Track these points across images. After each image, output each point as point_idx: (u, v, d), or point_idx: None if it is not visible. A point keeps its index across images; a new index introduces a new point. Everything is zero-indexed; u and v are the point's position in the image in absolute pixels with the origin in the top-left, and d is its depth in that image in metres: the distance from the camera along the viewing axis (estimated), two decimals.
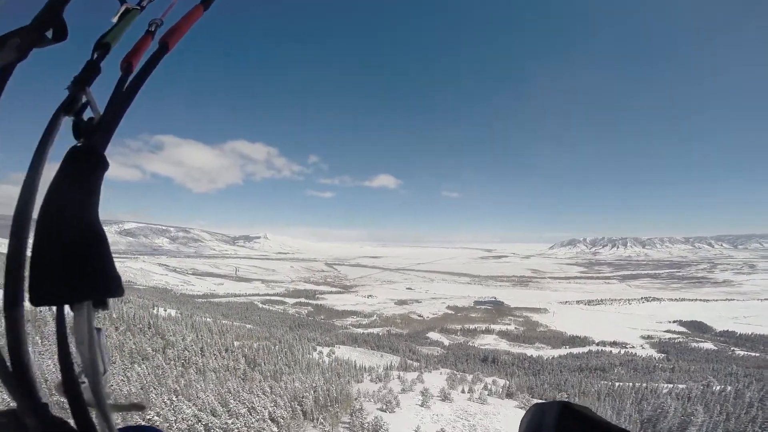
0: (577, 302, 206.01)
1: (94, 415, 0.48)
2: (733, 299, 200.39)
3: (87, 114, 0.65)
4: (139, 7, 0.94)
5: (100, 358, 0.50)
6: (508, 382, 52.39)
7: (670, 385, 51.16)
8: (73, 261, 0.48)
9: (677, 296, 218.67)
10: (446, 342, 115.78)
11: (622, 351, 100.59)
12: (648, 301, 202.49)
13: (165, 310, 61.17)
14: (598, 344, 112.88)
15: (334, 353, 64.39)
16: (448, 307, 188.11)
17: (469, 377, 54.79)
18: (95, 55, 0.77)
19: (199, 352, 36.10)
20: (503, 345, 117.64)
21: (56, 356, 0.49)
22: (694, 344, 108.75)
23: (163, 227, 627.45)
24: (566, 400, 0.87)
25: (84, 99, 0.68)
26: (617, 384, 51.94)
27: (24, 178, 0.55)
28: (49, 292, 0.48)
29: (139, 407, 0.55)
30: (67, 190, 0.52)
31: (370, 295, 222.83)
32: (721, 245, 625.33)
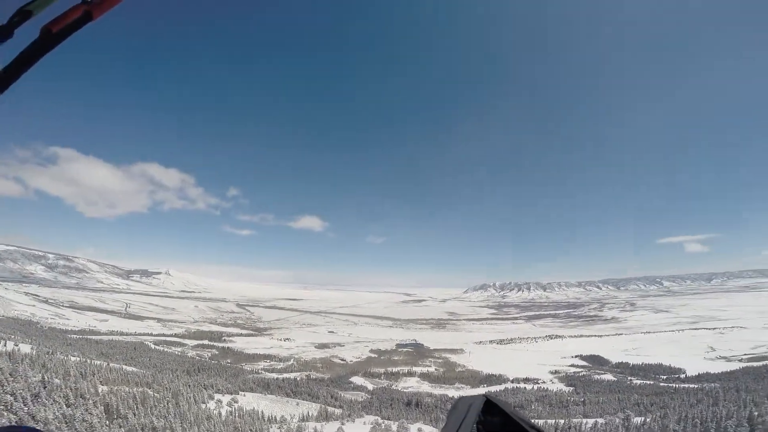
0: (491, 342, 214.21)
1: None
2: (621, 333, 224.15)
3: None
4: None
5: None
6: (433, 430, 47.60)
7: (590, 420, 51.44)
8: None
9: (576, 333, 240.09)
10: (370, 386, 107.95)
11: (535, 386, 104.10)
12: (552, 338, 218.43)
13: (16, 345, 45.34)
14: (513, 381, 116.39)
15: (236, 402, 53.36)
16: (372, 351, 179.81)
17: (394, 426, 48.90)
18: (14, 20, 0.74)
19: (30, 398, 24.89)
20: (425, 387, 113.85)
21: None
22: (596, 376, 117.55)
23: (40, 253, 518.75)
24: (488, 393, 1.00)
25: None
26: (539, 423, 50.62)
27: None
28: None
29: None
30: None
31: (287, 339, 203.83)
32: (607, 287, 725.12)
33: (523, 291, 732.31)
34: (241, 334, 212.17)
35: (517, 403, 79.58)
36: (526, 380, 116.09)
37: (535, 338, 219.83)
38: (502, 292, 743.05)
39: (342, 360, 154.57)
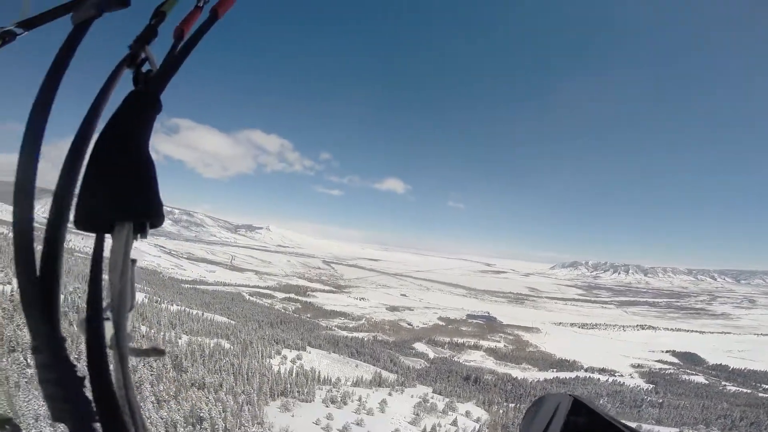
0: (571, 324, 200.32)
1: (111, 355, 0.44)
2: (729, 332, 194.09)
3: (146, 67, 0.74)
4: None
5: (129, 291, 0.48)
6: (481, 416, 46.57)
7: (663, 429, 45.09)
8: (118, 184, 0.50)
9: (673, 326, 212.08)
10: (431, 354, 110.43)
11: (610, 379, 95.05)
12: (643, 328, 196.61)
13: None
14: (586, 370, 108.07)
15: (300, 359, 59.02)
16: (440, 318, 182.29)
17: (441, 404, 49.09)
18: (153, 21, 0.86)
19: None
20: (489, 363, 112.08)
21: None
22: (685, 376, 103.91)
23: (168, 208, 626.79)
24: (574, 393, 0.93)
25: (143, 55, 0.76)
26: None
27: (84, 116, 0.60)
28: (93, 213, 0.48)
29: (159, 352, 0.52)
30: (122, 124, 0.56)
31: (363, 298, 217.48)
32: (724, 279, 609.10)
33: (619, 273, 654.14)
34: (323, 290, 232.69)
35: (584, 394, 72.56)
36: (602, 371, 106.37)
37: (623, 326, 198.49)
38: (594, 272, 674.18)
39: (409, 324, 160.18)
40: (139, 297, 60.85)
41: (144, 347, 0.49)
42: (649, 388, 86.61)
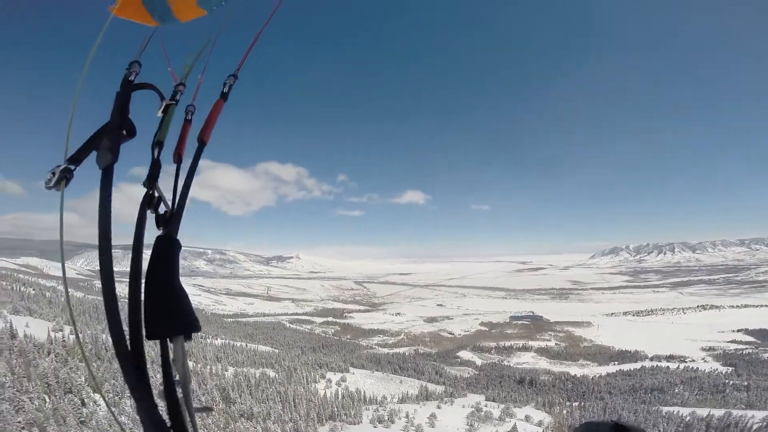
0: (624, 313, 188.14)
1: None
2: None
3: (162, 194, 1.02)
4: (175, 102, 1.25)
5: (188, 374, 0.88)
6: (543, 419, 43.68)
7: (758, 413, 40.40)
8: (171, 310, 0.90)
9: (738, 302, 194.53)
10: (478, 361, 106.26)
11: (681, 366, 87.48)
12: (705, 309, 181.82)
13: None
14: (651, 359, 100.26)
15: (344, 381, 58.07)
16: (482, 324, 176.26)
17: (497, 411, 46.55)
18: (155, 153, 1.05)
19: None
20: (543, 363, 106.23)
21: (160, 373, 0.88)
22: (767, 355, 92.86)
23: (201, 249, 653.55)
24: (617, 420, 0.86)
25: (157, 194, 1.00)
26: (684, 414, 41.66)
27: (130, 257, 0.91)
28: (158, 331, 0.87)
29: (209, 409, 0.95)
30: (158, 266, 0.92)
31: (399, 313, 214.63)
32: None
33: (664, 253, 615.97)
34: (359, 310, 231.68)
35: (656, 385, 67.80)
36: (670, 358, 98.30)
37: (682, 309, 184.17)
38: (637, 256, 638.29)
39: (450, 334, 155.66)
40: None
41: (198, 407, 0.88)
42: (729, 371, 79.01)
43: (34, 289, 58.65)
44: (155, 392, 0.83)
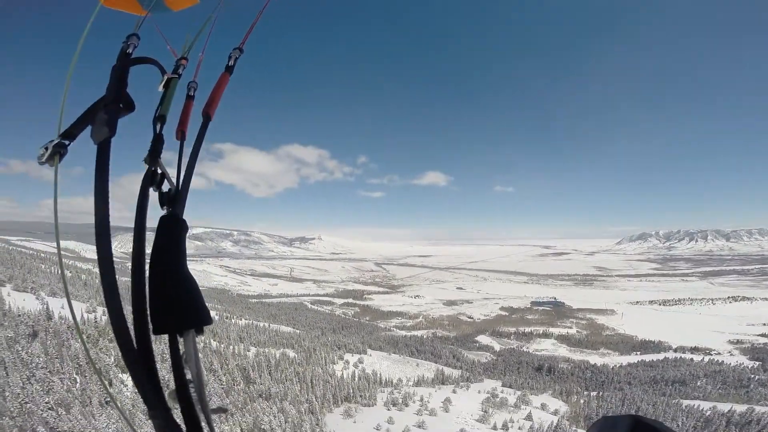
0: (650, 302, 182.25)
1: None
2: None
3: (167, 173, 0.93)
4: (177, 75, 1.18)
5: (202, 372, 0.77)
6: (559, 408, 43.32)
7: None
8: (180, 301, 0.77)
9: None
10: (497, 347, 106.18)
11: (706, 358, 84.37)
12: (736, 300, 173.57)
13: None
14: (675, 350, 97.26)
15: (362, 362, 59.45)
16: (502, 308, 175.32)
17: (513, 398, 46.52)
18: (157, 128, 0.98)
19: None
20: (563, 351, 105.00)
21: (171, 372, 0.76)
22: None
23: (227, 231, 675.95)
24: (636, 414, 0.79)
25: (160, 171, 0.91)
26: (705, 408, 40.25)
27: (132, 242, 0.82)
28: (166, 325, 0.75)
29: (223, 410, 0.83)
30: (163, 251, 0.81)
31: (418, 296, 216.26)
32: None
33: (696, 241, 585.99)
34: (378, 292, 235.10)
35: (678, 377, 65.82)
36: (695, 350, 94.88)
37: (712, 300, 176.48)
38: (667, 243, 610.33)
39: (469, 318, 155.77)
40: (212, 315, 65.26)
41: (214, 408, 0.79)
42: (755, 366, 75.57)
43: (71, 272, 62.65)
44: (167, 393, 0.74)
